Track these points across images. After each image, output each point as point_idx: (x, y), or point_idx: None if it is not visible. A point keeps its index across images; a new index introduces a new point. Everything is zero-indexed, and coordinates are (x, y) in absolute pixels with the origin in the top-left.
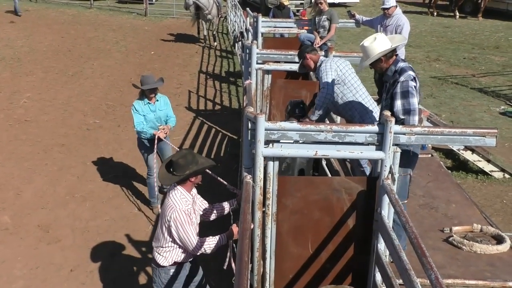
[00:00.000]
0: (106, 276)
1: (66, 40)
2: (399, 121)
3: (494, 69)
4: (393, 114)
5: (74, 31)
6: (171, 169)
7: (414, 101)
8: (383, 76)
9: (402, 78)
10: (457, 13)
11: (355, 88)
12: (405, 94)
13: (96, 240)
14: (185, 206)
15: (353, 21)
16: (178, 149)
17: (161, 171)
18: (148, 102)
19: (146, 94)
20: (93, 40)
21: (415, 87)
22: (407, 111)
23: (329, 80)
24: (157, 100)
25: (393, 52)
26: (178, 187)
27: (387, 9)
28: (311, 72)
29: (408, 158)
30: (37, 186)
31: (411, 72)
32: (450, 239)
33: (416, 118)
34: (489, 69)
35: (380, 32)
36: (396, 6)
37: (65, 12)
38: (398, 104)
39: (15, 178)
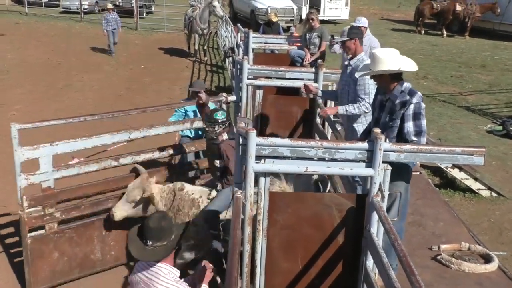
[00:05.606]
0: None
1: (56, 53)
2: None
3: (480, 88)
4: (402, 135)
5: (65, 44)
6: (147, 240)
7: (424, 122)
8: (382, 93)
9: (414, 100)
10: (444, 32)
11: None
12: (417, 116)
13: None
14: None
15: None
16: None
17: (135, 245)
18: None
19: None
20: (83, 54)
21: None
22: (418, 133)
23: (372, 94)
24: None
25: (401, 74)
26: (165, 266)
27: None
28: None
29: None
30: None
31: (419, 93)
32: (438, 257)
33: (425, 139)
34: (476, 88)
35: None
36: (366, 28)
37: (55, 25)
38: (410, 125)
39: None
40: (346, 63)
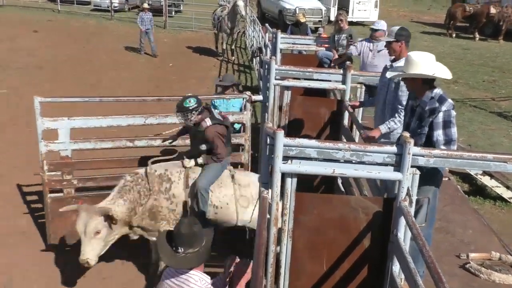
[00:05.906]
0: None
1: (87, 51)
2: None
3: None
4: (431, 143)
5: (96, 42)
6: (177, 247)
7: (455, 130)
8: (413, 98)
9: (444, 108)
10: (477, 35)
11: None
12: (447, 124)
13: None
14: None
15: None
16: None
17: (166, 253)
18: None
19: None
20: (113, 51)
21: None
22: (448, 142)
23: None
24: None
25: (433, 80)
26: (195, 273)
27: (376, 31)
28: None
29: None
30: None
31: (450, 100)
32: (467, 265)
33: (455, 147)
34: (510, 93)
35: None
36: (385, 32)
37: (87, 23)
38: (440, 134)
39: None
40: (388, 65)
